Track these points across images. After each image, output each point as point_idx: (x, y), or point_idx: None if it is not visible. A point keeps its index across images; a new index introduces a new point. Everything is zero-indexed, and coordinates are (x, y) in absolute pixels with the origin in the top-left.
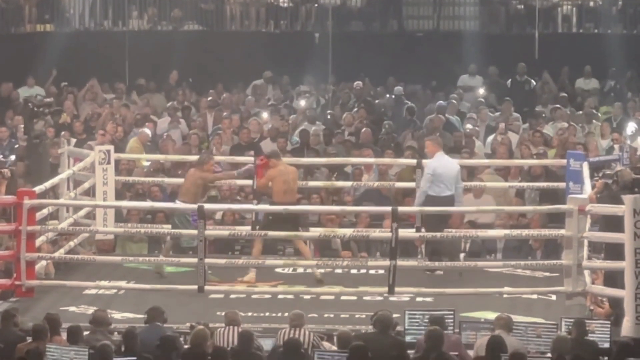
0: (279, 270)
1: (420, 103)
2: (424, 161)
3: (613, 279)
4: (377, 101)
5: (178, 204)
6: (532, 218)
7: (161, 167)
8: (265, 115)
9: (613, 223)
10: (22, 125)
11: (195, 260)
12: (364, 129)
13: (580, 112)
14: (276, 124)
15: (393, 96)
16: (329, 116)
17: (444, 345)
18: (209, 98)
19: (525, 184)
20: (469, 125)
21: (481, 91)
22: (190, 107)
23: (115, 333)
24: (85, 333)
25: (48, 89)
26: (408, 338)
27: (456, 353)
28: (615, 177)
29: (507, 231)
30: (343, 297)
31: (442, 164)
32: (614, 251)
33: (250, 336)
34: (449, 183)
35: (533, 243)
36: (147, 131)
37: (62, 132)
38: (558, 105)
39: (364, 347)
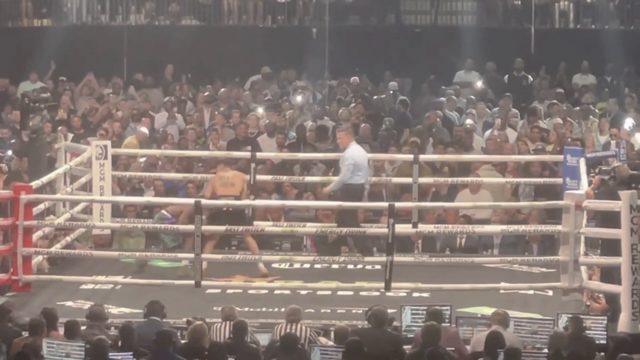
0: (275, 265)
1: (414, 98)
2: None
3: (610, 274)
4: (374, 97)
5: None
6: (530, 213)
7: (156, 162)
8: (260, 110)
9: (610, 219)
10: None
11: (191, 255)
12: (362, 125)
13: (577, 108)
14: (273, 119)
15: (391, 92)
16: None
17: (441, 339)
18: (206, 93)
19: (522, 180)
20: (469, 121)
21: (479, 84)
22: (186, 101)
23: (112, 328)
24: (82, 328)
25: (46, 84)
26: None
27: (453, 348)
28: (613, 173)
29: (503, 227)
30: (340, 293)
31: (358, 154)
32: (611, 247)
33: (244, 327)
34: (364, 172)
35: (529, 237)
36: (145, 130)
37: (59, 127)
38: (555, 101)
39: (360, 343)
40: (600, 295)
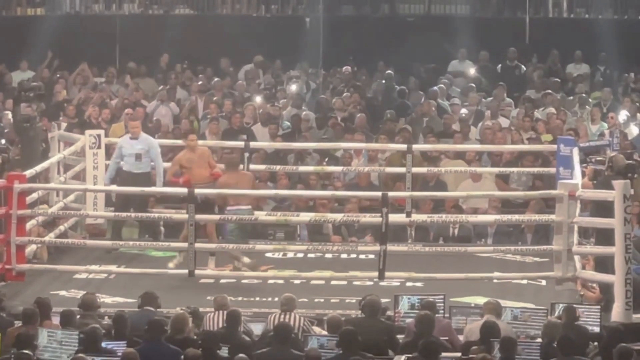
0: (269, 255)
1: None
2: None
3: (604, 264)
4: (372, 86)
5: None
6: (528, 203)
7: None
8: (259, 99)
9: (603, 208)
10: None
11: (185, 244)
12: (359, 114)
13: (571, 97)
14: (267, 109)
15: (383, 81)
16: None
17: (434, 330)
18: (200, 82)
19: (516, 169)
20: (463, 111)
21: (472, 71)
22: (175, 88)
23: (106, 317)
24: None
25: (41, 72)
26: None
27: (446, 338)
28: (610, 162)
29: (497, 216)
30: (333, 282)
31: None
32: (605, 236)
33: (238, 316)
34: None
35: (525, 227)
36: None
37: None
38: (549, 91)
39: (354, 332)
40: (594, 285)
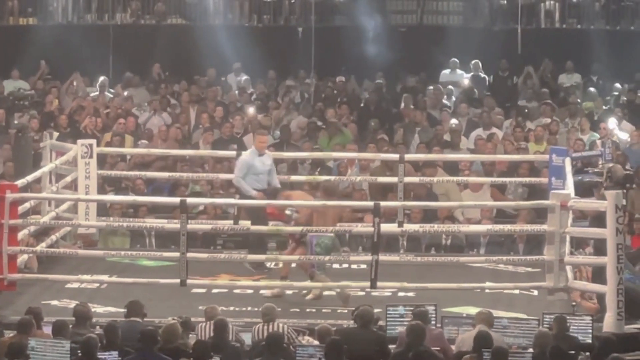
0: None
1: (399, 96)
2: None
3: (600, 275)
4: (367, 96)
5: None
6: (519, 213)
7: (142, 161)
8: (251, 110)
9: (602, 219)
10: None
11: (177, 254)
12: (349, 125)
13: (563, 107)
14: (259, 119)
15: (375, 91)
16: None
17: (425, 339)
18: (191, 91)
19: (508, 179)
20: (454, 121)
21: (465, 81)
22: (168, 98)
23: (97, 327)
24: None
25: (35, 82)
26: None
27: (438, 348)
28: (609, 173)
29: (488, 226)
30: (325, 292)
31: None
32: (604, 248)
33: (225, 325)
34: None
35: (517, 237)
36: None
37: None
38: (548, 101)
39: (340, 342)
40: (593, 296)
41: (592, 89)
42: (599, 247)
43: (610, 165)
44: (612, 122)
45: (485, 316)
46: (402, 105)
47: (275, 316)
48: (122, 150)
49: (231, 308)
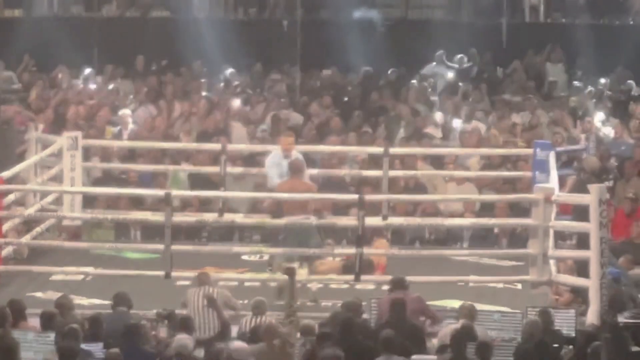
0: (245, 257)
1: (385, 89)
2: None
3: (585, 269)
4: (349, 88)
5: None
6: (498, 206)
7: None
8: (237, 102)
9: (585, 212)
10: None
11: (161, 246)
12: (334, 118)
13: (548, 102)
14: (246, 112)
15: (360, 84)
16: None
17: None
18: (175, 84)
19: (492, 173)
20: (438, 114)
21: (449, 74)
22: (153, 92)
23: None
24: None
25: (20, 75)
26: None
27: (423, 319)
28: (582, 165)
29: (473, 220)
30: (309, 285)
31: None
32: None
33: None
34: None
35: (499, 231)
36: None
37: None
38: (530, 96)
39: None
40: (566, 289)
41: (576, 83)
42: (582, 241)
43: (584, 157)
44: (599, 116)
45: (468, 310)
46: (382, 97)
47: (264, 310)
48: (111, 142)
49: None
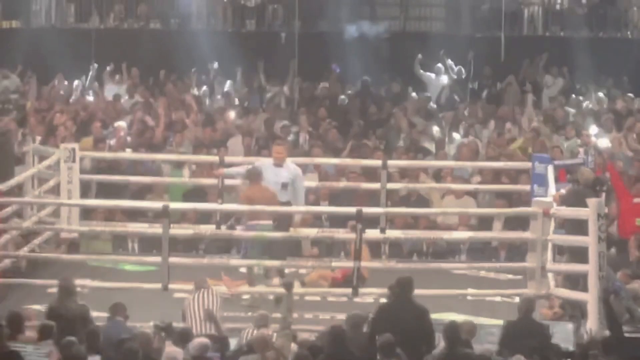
0: (242, 270)
1: (383, 101)
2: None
3: (575, 280)
4: (346, 102)
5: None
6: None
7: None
8: (232, 114)
9: (579, 225)
10: None
11: (159, 259)
12: (330, 130)
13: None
14: (244, 122)
15: (358, 96)
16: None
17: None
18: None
19: (492, 187)
20: (436, 128)
21: (444, 81)
22: (150, 103)
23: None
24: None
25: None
26: None
27: None
28: (577, 176)
29: (471, 233)
30: (307, 298)
31: None
32: (579, 254)
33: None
34: None
35: (498, 244)
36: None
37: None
38: (526, 108)
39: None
40: (555, 303)
41: (575, 96)
42: (574, 254)
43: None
44: (593, 129)
45: (468, 328)
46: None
47: (267, 324)
48: (104, 154)
49: None
